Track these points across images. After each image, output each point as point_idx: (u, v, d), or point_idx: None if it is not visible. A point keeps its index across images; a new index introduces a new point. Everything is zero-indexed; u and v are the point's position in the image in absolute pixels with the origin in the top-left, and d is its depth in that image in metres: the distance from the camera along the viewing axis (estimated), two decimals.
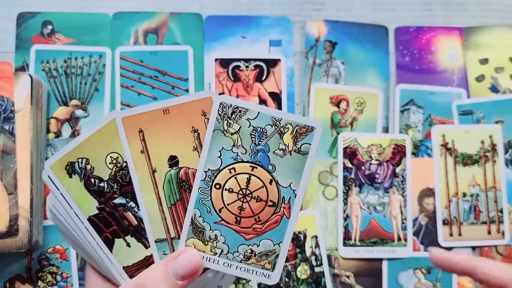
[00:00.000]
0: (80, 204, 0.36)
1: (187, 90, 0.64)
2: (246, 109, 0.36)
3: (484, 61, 0.68)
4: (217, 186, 0.36)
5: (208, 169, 0.35)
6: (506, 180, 0.65)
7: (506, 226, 0.64)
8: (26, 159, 0.56)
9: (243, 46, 0.66)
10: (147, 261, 0.36)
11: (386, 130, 0.66)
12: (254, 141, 0.36)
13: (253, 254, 0.35)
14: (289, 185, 0.35)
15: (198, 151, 0.36)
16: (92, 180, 0.36)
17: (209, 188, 0.36)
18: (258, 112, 0.36)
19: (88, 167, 0.36)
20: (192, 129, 0.36)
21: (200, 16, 0.66)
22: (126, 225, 0.36)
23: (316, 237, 0.62)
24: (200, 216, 0.35)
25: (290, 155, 0.35)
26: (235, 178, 0.36)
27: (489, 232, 0.64)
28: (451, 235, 0.64)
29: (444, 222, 0.64)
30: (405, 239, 0.63)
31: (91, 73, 0.64)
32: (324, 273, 0.61)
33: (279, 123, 0.35)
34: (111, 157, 0.36)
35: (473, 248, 0.64)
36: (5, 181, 0.55)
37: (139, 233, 0.36)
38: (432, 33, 0.68)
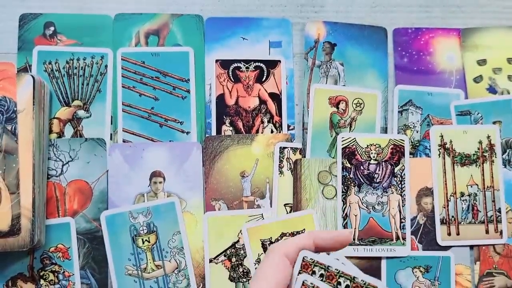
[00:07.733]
0: None
1: (188, 91, 0.65)
2: None
3: (482, 62, 0.68)
4: None
5: None
6: (503, 180, 0.65)
7: (504, 226, 0.64)
8: (28, 159, 0.56)
9: (243, 48, 0.67)
10: None
11: (384, 130, 0.67)
12: None
13: None
14: None
15: None
16: None
17: None
18: None
19: None
20: None
21: (201, 18, 0.67)
22: None
23: None
24: None
25: None
26: None
27: (487, 232, 0.64)
28: (449, 234, 0.64)
29: (442, 221, 0.64)
30: (404, 238, 0.63)
31: (93, 74, 0.64)
32: None
33: None
34: None
35: (471, 247, 0.64)
36: (8, 181, 0.56)
37: None
38: (430, 35, 0.69)
